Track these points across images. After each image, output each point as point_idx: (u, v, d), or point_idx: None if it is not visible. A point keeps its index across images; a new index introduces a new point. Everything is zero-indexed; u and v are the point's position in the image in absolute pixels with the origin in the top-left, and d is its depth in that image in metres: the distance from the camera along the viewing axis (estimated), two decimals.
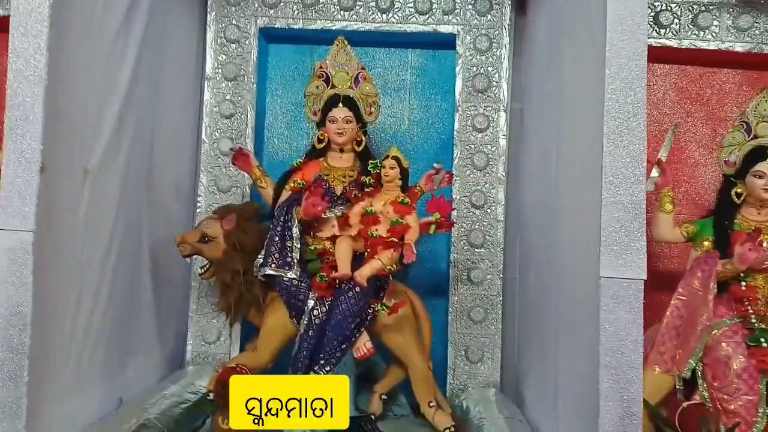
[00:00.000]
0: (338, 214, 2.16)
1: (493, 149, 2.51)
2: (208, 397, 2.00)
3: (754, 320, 1.92)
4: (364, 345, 2.03)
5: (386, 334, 2.10)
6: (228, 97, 2.59)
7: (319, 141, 2.25)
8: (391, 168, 2.11)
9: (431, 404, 2.09)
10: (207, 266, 2.22)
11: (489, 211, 2.50)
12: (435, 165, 2.17)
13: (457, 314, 2.47)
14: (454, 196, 2.48)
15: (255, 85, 2.59)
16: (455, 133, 2.53)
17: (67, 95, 1.68)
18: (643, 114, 1.50)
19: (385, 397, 2.21)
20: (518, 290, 2.41)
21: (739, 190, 2.02)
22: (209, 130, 2.58)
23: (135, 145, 2.09)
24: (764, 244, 1.95)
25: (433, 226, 2.06)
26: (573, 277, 1.69)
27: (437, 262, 2.56)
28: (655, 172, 2.05)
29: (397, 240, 2.03)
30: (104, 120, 1.91)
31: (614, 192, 1.48)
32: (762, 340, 1.88)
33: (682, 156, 2.54)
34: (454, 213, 2.38)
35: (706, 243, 2.03)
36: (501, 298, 2.46)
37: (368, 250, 2.06)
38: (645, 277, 1.47)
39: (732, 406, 1.86)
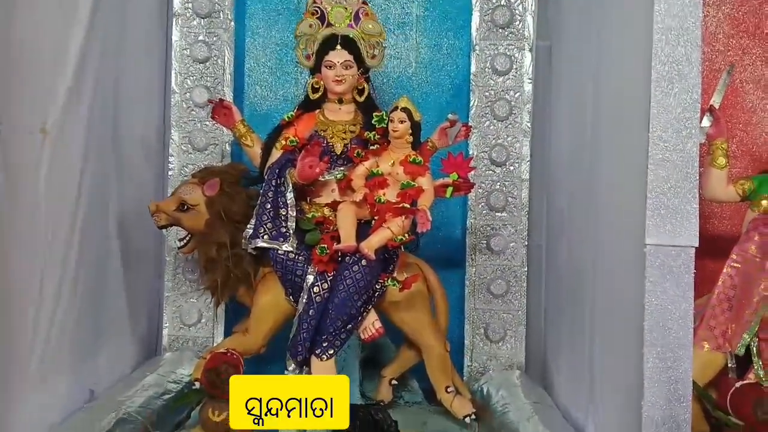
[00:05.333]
0: (339, 176, 2.20)
1: (516, 96, 2.55)
2: (193, 387, 2.08)
3: None
4: (372, 325, 2.10)
5: (397, 313, 2.17)
6: (201, 37, 2.59)
7: (314, 90, 2.27)
8: (401, 121, 2.13)
9: (449, 389, 2.18)
10: (186, 238, 2.27)
11: (512, 168, 2.55)
12: (449, 116, 2.20)
13: (475, 288, 2.55)
14: (471, 152, 2.53)
15: (232, 23, 2.59)
16: (471, 77, 2.56)
17: (16, 44, 1.68)
18: (698, 57, 1.54)
19: (395, 382, 2.30)
20: (546, 260, 2.49)
21: None
22: (180, 77, 2.60)
23: (97, 99, 2.11)
24: None
25: (450, 189, 2.11)
26: (613, 244, 1.76)
27: (452, 228, 2.63)
28: (706, 121, 2.10)
29: (408, 205, 2.08)
30: (60, 71, 1.92)
31: (663, 148, 1.53)
32: None
33: (738, 101, 2.59)
34: (473, 173, 2.43)
35: (764, 202, 2.10)
36: (526, 269, 2.54)
37: (375, 217, 2.10)
38: (696, 245, 1.53)
39: None
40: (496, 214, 2.55)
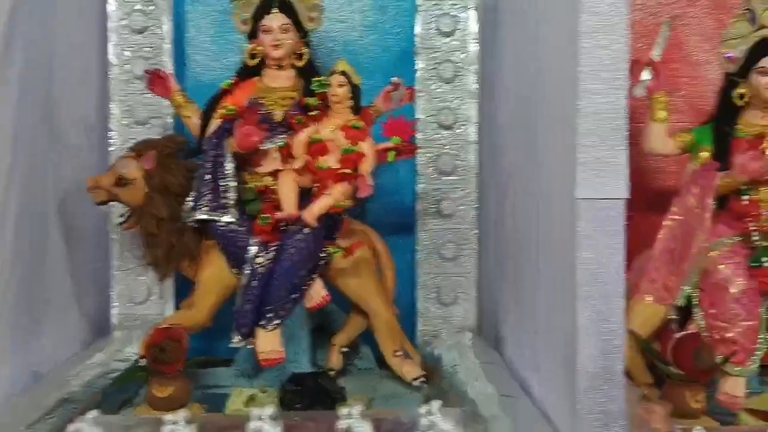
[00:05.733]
0: (279, 144, 2.17)
1: (462, 57, 2.52)
2: (139, 364, 2.07)
3: (756, 238, 2.03)
4: (318, 293, 2.10)
5: (342, 280, 2.17)
6: (137, 6, 2.52)
7: (252, 57, 2.23)
8: (340, 85, 2.11)
9: (397, 353, 2.20)
10: (127, 214, 2.23)
11: (459, 131, 2.53)
12: (393, 79, 2.18)
13: (426, 252, 2.55)
14: (417, 116, 2.51)
15: None
16: (416, 38, 2.53)
17: None
18: (627, 8, 1.53)
19: (346, 350, 2.31)
20: (494, 221, 2.49)
21: (741, 91, 2.08)
22: (117, 49, 2.53)
23: (29, 70, 2.05)
24: None
25: (392, 153, 2.10)
26: (551, 200, 1.76)
27: (402, 194, 2.61)
28: (646, 75, 2.10)
29: (350, 171, 2.06)
30: None
31: (591, 100, 1.53)
32: (764, 259, 2.01)
33: (682, 54, 2.59)
34: (418, 136, 2.42)
35: (703, 154, 2.12)
36: (476, 232, 2.54)
37: (317, 184, 2.09)
38: (627, 197, 1.54)
39: (730, 334, 2.01)
40: (445, 177, 2.54)
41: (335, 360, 2.29)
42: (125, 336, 2.41)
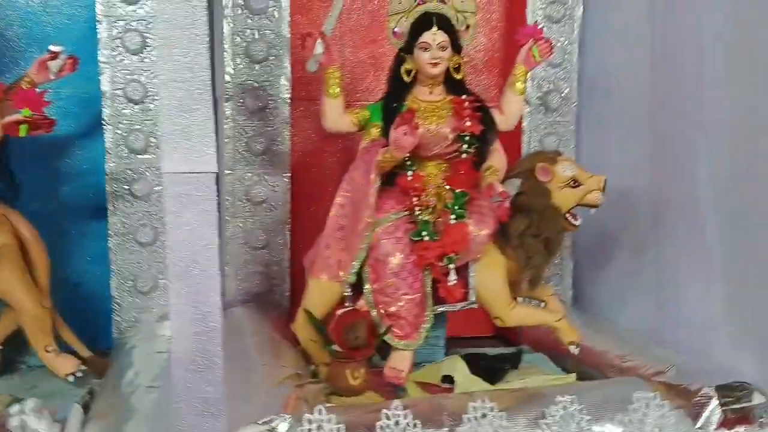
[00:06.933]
0: None
1: (149, 26, 2.36)
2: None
3: (418, 213, 2.07)
4: None
5: None
6: None
7: None
8: None
9: (49, 349, 2.04)
10: None
11: (151, 105, 2.39)
12: (51, 47, 2.00)
13: (119, 238, 2.40)
14: (104, 89, 2.35)
15: None
16: (97, 6, 2.34)
17: None
18: None
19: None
20: None
21: (408, 67, 2.10)
22: None
23: None
24: (434, 127, 2.08)
25: (24, 127, 1.91)
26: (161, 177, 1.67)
27: (90, 175, 2.44)
28: (319, 48, 2.07)
29: None
30: None
31: (171, 68, 1.45)
32: (424, 233, 2.04)
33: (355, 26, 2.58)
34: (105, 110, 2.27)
35: (374, 130, 2.12)
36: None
37: None
38: (216, 170, 1.48)
39: (393, 308, 2.03)
40: (138, 156, 2.40)
41: None
42: None
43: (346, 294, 2.08)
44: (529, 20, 2.62)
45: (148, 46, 2.37)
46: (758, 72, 1.94)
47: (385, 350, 2.10)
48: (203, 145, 1.47)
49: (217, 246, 1.50)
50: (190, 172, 1.46)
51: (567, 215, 2.10)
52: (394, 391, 2.05)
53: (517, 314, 2.14)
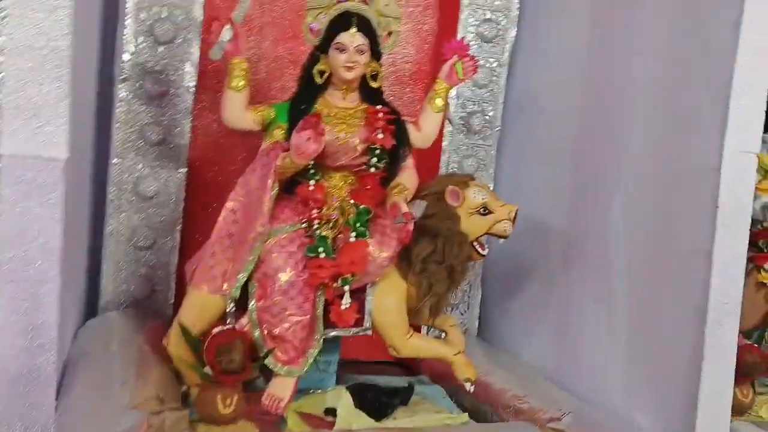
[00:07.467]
0: None
1: None
2: None
3: (317, 226, 1.90)
4: None
5: None
6: None
7: None
8: None
9: None
10: None
11: None
12: None
13: None
14: None
15: None
16: None
17: None
18: None
19: None
20: None
21: (322, 67, 1.94)
22: None
23: None
24: (342, 136, 1.92)
25: None
26: None
27: None
28: (226, 35, 1.88)
29: None
30: None
31: (24, 32, 1.23)
32: (320, 249, 1.87)
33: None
34: None
35: (277, 131, 1.94)
36: None
37: None
38: (66, 156, 1.27)
39: (277, 330, 1.85)
40: None
41: None
42: None
43: (228, 310, 1.88)
44: (460, 36, 2.52)
45: None
46: (680, 119, 1.88)
47: (268, 374, 1.91)
48: (54, 127, 1.26)
49: (61, 247, 1.28)
50: (34, 157, 1.25)
51: (474, 243, 1.98)
52: (272, 421, 1.87)
53: (412, 345, 2.00)
